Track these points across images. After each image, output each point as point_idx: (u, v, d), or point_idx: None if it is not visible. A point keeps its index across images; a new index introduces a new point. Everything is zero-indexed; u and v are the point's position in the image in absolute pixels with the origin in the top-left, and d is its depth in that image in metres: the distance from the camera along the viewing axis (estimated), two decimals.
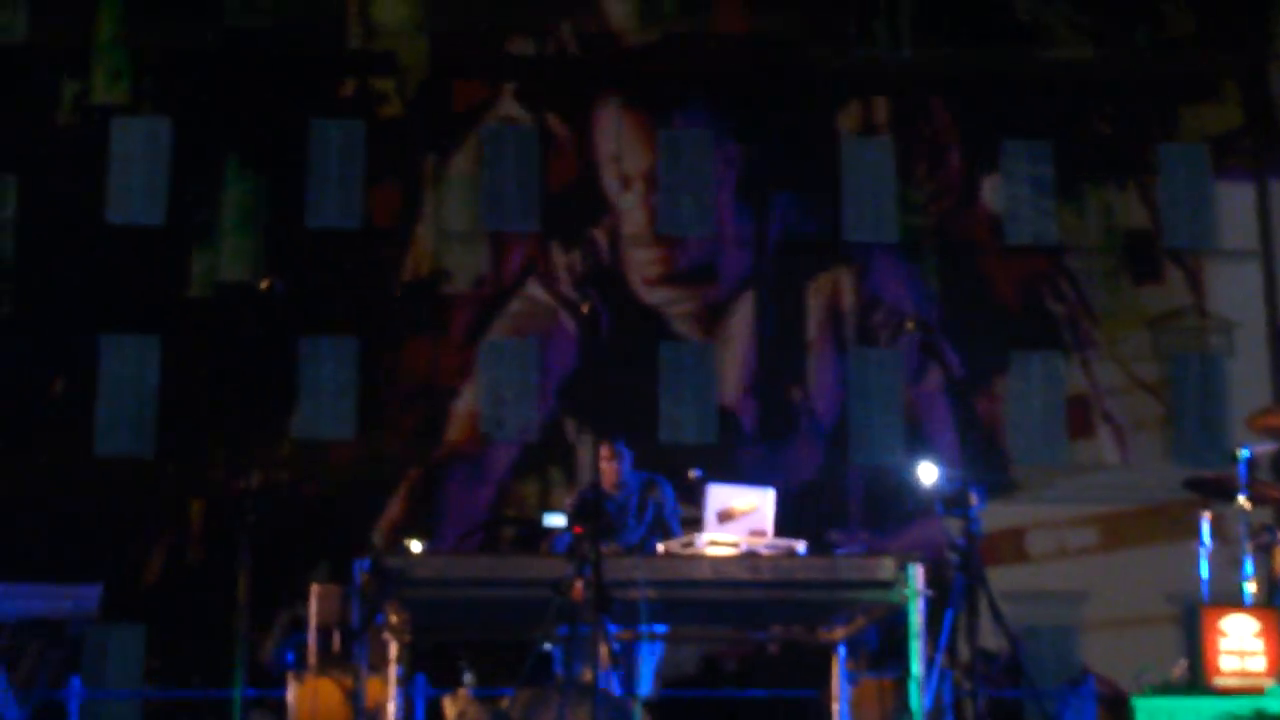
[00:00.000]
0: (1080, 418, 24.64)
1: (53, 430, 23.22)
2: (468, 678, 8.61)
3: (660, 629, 9.04)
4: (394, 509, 23.37)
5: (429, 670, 9.34)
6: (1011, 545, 23.66)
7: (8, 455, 22.94)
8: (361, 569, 7.15)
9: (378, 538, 22.60)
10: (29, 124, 24.30)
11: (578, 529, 6.58)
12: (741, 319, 24.63)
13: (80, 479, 22.79)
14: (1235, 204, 25.48)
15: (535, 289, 24.46)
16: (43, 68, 24.59)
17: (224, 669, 5.88)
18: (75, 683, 11.31)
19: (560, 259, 24.55)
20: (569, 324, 24.00)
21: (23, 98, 24.44)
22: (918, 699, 7.26)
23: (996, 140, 25.24)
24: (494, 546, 22.54)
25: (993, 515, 21.86)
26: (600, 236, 24.71)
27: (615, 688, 7.91)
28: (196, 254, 24.16)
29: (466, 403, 24.04)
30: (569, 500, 9.99)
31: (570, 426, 23.75)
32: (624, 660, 9.07)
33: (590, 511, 6.33)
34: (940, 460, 8.81)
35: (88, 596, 8.88)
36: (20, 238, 23.99)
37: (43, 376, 23.46)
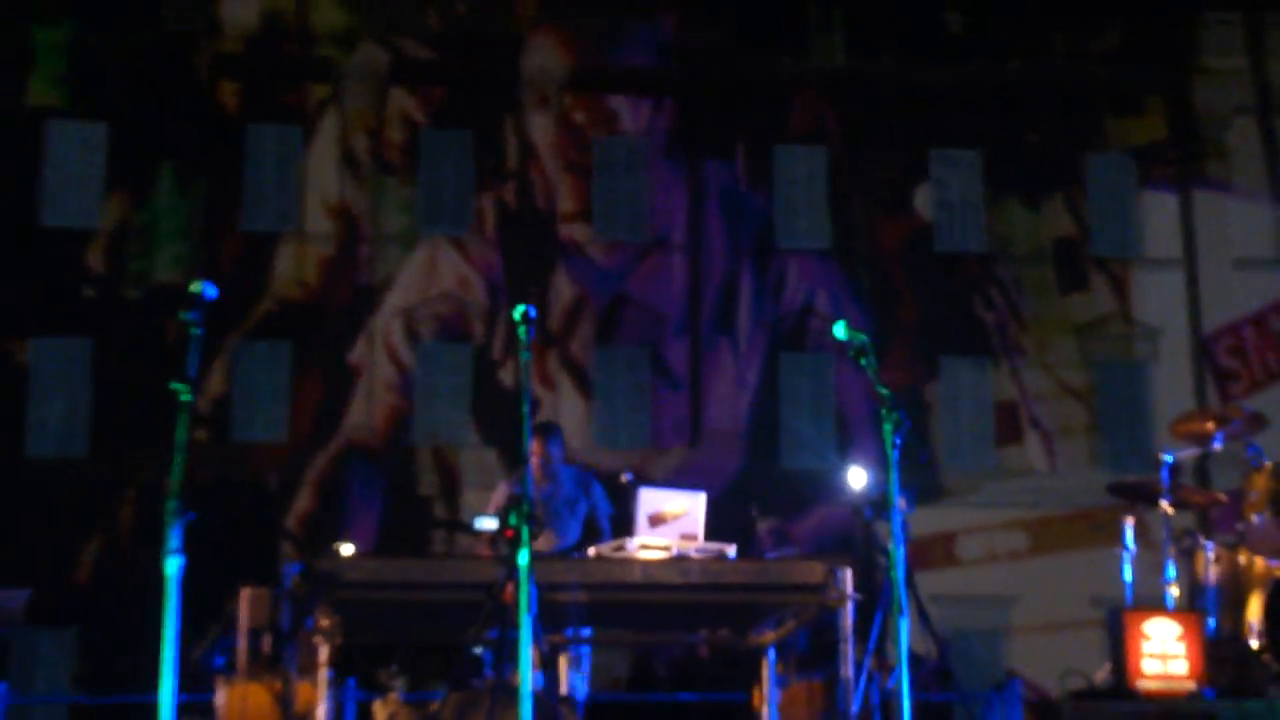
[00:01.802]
0: (1008, 423, 24.77)
1: None
2: (398, 681, 8.53)
3: (591, 632, 9.00)
4: (307, 507, 23.25)
5: (359, 674, 9.26)
6: (941, 549, 23.75)
7: None
8: (292, 572, 7.07)
9: (295, 532, 22.61)
10: None
11: (509, 532, 6.53)
12: (674, 325, 24.67)
13: (11, 481, 22.56)
14: (1160, 214, 25.70)
15: (468, 294, 24.44)
16: None
17: (154, 673, 5.78)
18: (2, 686, 11.12)
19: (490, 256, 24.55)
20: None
21: None
22: (846, 701, 7.24)
23: (927, 150, 25.36)
24: (425, 549, 22.44)
25: (922, 520, 22.01)
26: (534, 234, 24.72)
27: (545, 691, 7.86)
28: (130, 257, 23.96)
29: (395, 404, 23.94)
30: (500, 487, 9.91)
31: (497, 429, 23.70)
32: (555, 663, 9.03)
33: (522, 515, 6.27)
34: (870, 465, 8.80)
35: (14, 599, 8.75)
36: None
37: None
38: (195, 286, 6.20)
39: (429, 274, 24.40)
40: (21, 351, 23.37)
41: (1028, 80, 25.65)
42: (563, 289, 24.46)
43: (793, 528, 23.17)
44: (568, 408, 23.54)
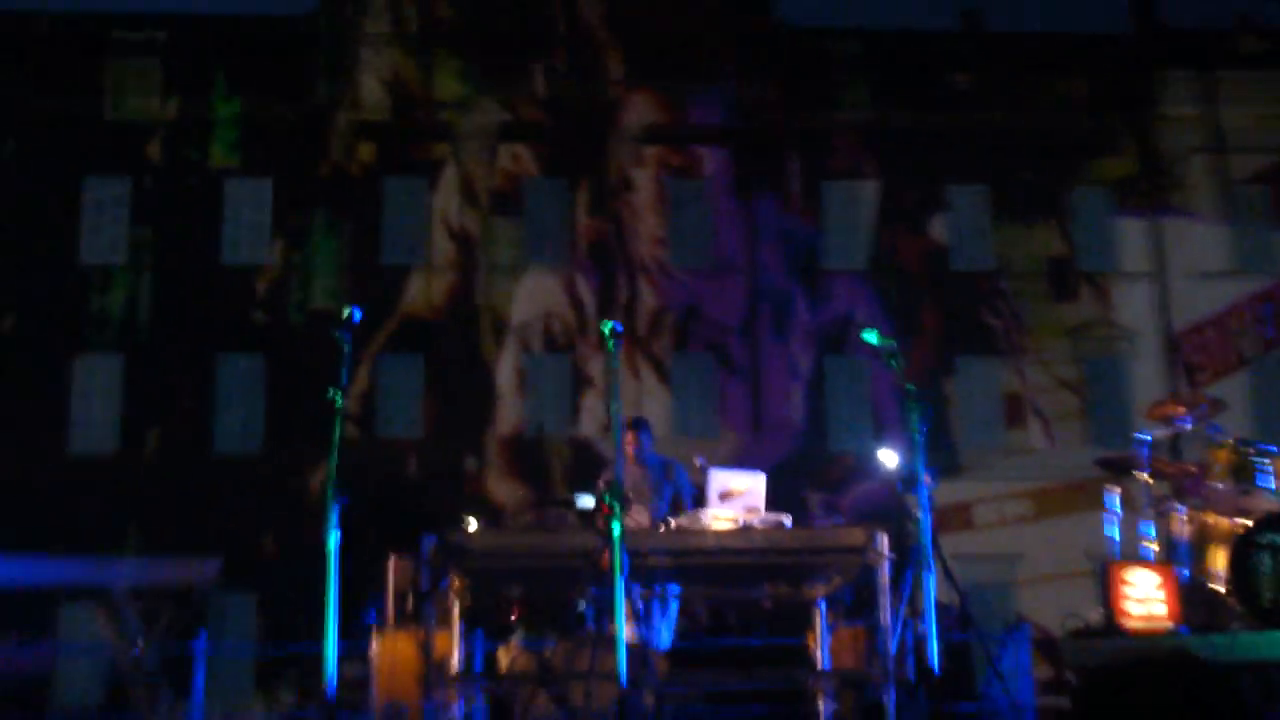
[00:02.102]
0: (1014, 411, 24.60)
1: (178, 433, 23.25)
2: (518, 632, 8.55)
3: (674, 590, 9.00)
4: (440, 488, 23.35)
5: (486, 625, 9.29)
6: (960, 516, 23.59)
7: (144, 454, 23.00)
8: (429, 543, 7.11)
9: (430, 510, 22.71)
10: (162, 185, 24.44)
11: (605, 509, 6.54)
12: (738, 338, 24.63)
13: (202, 473, 22.80)
14: (1133, 235, 25.49)
15: (566, 313, 24.50)
16: (172, 139, 24.73)
17: (320, 627, 5.85)
18: (202, 638, 11.24)
19: (586, 293, 24.59)
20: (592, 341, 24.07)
21: (156, 164, 24.64)
22: (885, 643, 7.21)
23: (942, 185, 25.24)
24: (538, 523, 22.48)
25: (944, 492, 21.84)
26: (621, 263, 24.76)
27: (638, 639, 7.87)
28: (292, 288, 24.20)
29: (514, 406, 24.04)
30: (601, 478, 9.91)
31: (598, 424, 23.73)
32: (647, 616, 9.03)
33: (615, 495, 6.28)
34: (900, 447, 8.76)
35: (209, 568, 8.86)
36: (155, 277, 24.05)
37: (171, 390, 23.51)
38: (345, 311, 6.23)
39: (535, 297, 24.49)
40: (208, 367, 23.64)
41: (1024, 127, 25.50)
42: (647, 303, 24.49)
43: (838, 500, 23.07)
44: (650, 398, 23.53)
